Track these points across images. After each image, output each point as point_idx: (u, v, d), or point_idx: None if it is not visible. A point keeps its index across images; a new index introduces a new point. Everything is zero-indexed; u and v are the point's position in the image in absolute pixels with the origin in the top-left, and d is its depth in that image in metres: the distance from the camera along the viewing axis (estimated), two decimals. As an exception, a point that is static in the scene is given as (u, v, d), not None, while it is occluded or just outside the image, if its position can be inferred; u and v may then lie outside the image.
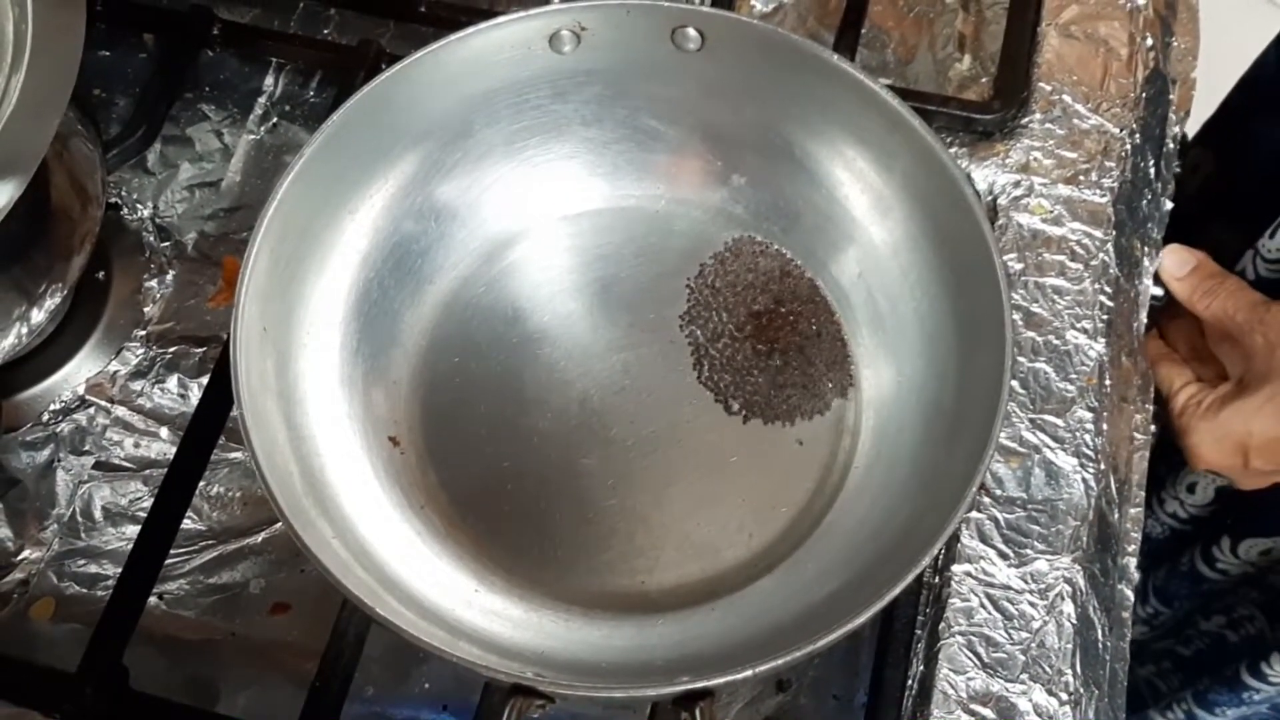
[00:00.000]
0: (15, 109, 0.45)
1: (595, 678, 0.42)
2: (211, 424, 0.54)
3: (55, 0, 0.47)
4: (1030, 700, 0.49)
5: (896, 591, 0.41)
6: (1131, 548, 0.55)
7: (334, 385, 0.49)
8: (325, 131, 0.48)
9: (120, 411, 0.58)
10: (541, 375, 0.52)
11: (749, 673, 0.38)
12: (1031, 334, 0.55)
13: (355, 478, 0.48)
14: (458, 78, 0.51)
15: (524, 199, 0.55)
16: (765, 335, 0.52)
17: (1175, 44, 0.65)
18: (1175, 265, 0.57)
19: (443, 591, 0.47)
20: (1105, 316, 0.56)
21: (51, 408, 0.58)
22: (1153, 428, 0.57)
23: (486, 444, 0.51)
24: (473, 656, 0.40)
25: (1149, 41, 0.63)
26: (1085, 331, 0.56)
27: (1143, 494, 0.56)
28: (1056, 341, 0.56)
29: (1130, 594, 0.54)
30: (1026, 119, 0.60)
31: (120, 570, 0.53)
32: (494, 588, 0.48)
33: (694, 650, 0.45)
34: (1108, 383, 0.55)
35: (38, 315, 0.53)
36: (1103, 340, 0.56)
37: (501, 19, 0.50)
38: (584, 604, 0.48)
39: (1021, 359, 0.55)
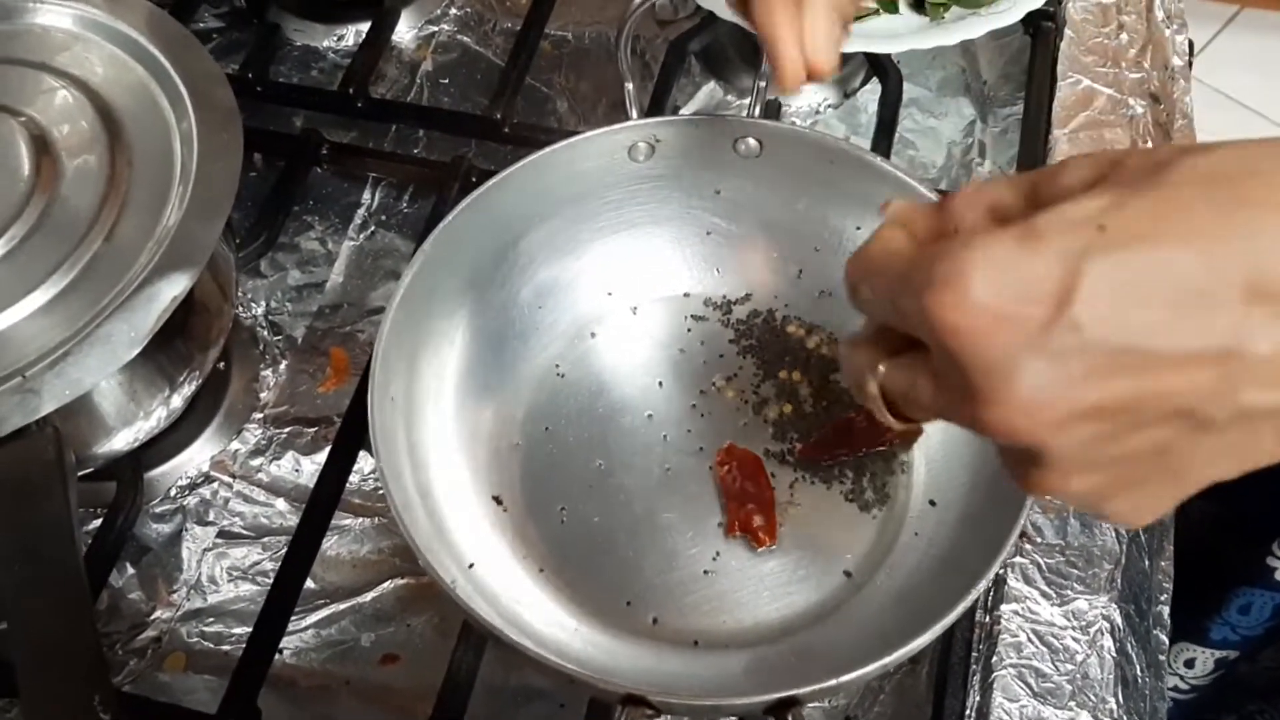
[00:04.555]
0: (185, 214, 0.52)
1: (693, 694, 0.48)
2: (329, 495, 0.60)
3: (217, 124, 0.55)
4: (1078, 724, 0.54)
5: (953, 618, 0.46)
6: (1164, 597, 0.60)
7: (450, 450, 0.56)
8: (440, 229, 0.56)
9: (241, 485, 0.65)
10: (625, 441, 0.59)
11: (833, 681, 0.44)
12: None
13: (469, 530, 0.54)
14: (549, 185, 0.59)
15: (603, 288, 0.63)
16: (823, 395, 0.59)
17: (1173, 148, 0.72)
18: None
19: (547, 626, 0.52)
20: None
21: (179, 483, 0.65)
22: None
23: (579, 502, 0.57)
24: (584, 674, 0.46)
25: (1150, 145, 0.71)
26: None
27: (1171, 548, 0.62)
28: (1082, 406, 0.62)
29: (1165, 639, 0.59)
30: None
31: (242, 627, 0.60)
32: (593, 625, 0.53)
33: (774, 677, 0.51)
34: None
35: (176, 400, 0.60)
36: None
37: (589, 133, 0.58)
38: (671, 640, 0.53)
39: (1052, 422, 0.61)
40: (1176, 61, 0.77)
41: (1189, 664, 0.75)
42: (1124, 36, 0.77)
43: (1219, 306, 0.29)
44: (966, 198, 0.34)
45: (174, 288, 0.51)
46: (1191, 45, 0.80)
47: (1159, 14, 0.78)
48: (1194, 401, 0.30)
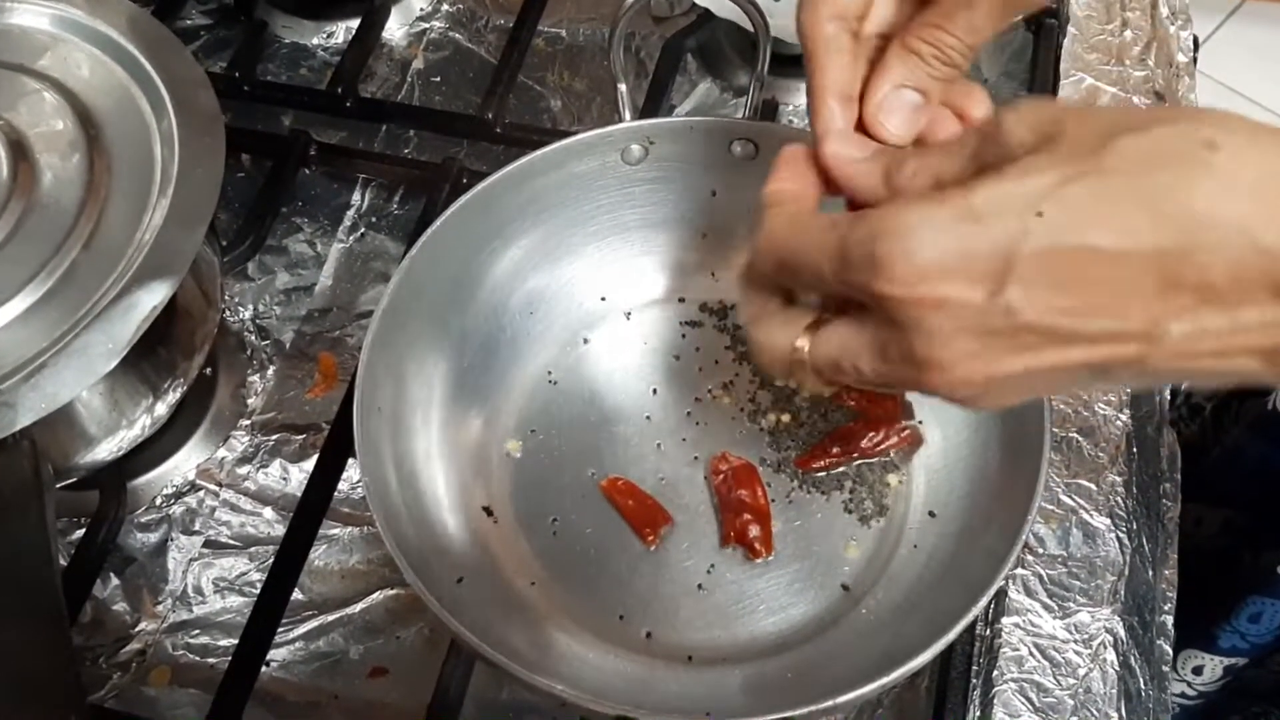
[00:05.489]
0: (167, 220, 0.51)
1: (686, 715, 0.47)
2: (317, 504, 0.59)
3: (199, 128, 0.54)
4: (1081, 741, 0.53)
5: (954, 635, 0.45)
6: (1168, 606, 0.59)
7: (438, 460, 0.55)
8: (428, 234, 0.54)
9: (227, 494, 0.63)
10: (619, 450, 0.58)
11: (830, 703, 0.43)
12: (1063, 406, 0.61)
13: (459, 542, 0.53)
14: (541, 189, 0.58)
15: (597, 293, 0.62)
16: (822, 404, 0.57)
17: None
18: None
19: (538, 641, 0.51)
20: (1129, 390, 0.61)
21: (164, 492, 0.63)
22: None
23: (571, 513, 0.56)
24: (574, 695, 0.44)
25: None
26: (1111, 404, 0.61)
27: (1175, 556, 0.60)
28: (1086, 413, 0.61)
29: (1169, 650, 0.58)
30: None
31: (229, 639, 0.59)
32: (584, 641, 0.52)
33: (771, 695, 0.50)
34: (1134, 450, 0.60)
35: (161, 408, 0.59)
36: (1128, 411, 0.61)
37: (581, 136, 0.57)
38: (665, 656, 0.52)
39: (1056, 429, 0.60)
40: (1181, 58, 0.76)
41: (1197, 671, 0.74)
42: (1128, 33, 0.76)
43: (1138, 294, 0.32)
44: (907, 166, 0.37)
45: (154, 297, 0.50)
46: (1196, 41, 0.79)
47: (1163, 10, 0.77)
48: (1105, 370, 0.34)
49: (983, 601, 0.45)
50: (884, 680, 0.43)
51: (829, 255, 0.35)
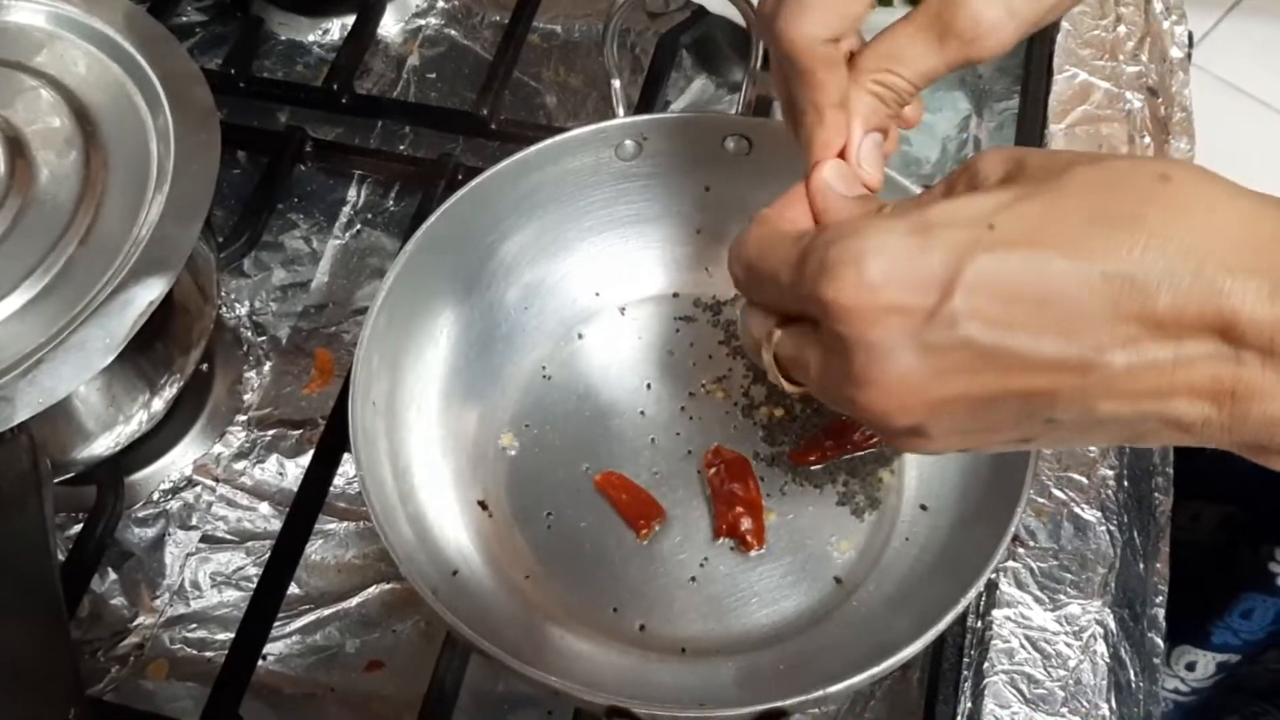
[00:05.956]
0: (163, 215, 0.51)
1: (679, 705, 0.47)
2: (313, 499, 0.59)
3: (195, 124, 0.54)
4: (1071, 732, 0.53)
5: (944, 626, 0.45)
6: (1159, 599, 0.59)
7: (434, 454, 0.55)
8: (424, 229, 0.55)
9: (224, 489, 0.64)
10: (613, 444, 0.58)
11: (820, 693, 0.43)
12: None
13: (454, 536, 0.54)
14: (536, 184, 0.58)
15: (591, 289, 0.62)
16: (814, 401, 0.58)
17: (1173, 144, 0.71)
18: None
19: (533, 634, 0.51)
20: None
21: (162, 487, 0.64)
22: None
23: (565, 506, 0.56)
24: (568, 687, 0.45)
25: (1146, 140, 0.70)
26: (1103, 397, 0.62)
27: (1166, 550, 0.61)
28: (1077, 407, 0.61)
29: (1160, 643, 0.58)
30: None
31: (226, 633, 0.59)
32: (578, 634, 0.52)
33: (764, 686, 0.50)
34: (1125, 444, 0.61)
35: (158, 403, 0.59)
36: (1119, 405, 0.61)
37: (575, 131, 0.57)
38: (658, 648, 0.53)
39: (1046, 423, 0.61)
40: (1175, 54, 0.76)
41: (1190, 667, 0.75)
42: (1121, 29, 0.76)
43: (1082, 318, 0.31)
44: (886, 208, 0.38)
45: (150, 292, 0.50)
46: (1191, 37, 0.79)
47: (1157, 6, 0.77)
48: (1048, 403, 0.33)
49: (972, 593, 0.46)
50: (875, 670, 0.44)
51: (789, 264, 0.36)
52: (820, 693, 0.43)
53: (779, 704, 0.43)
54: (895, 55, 0.41)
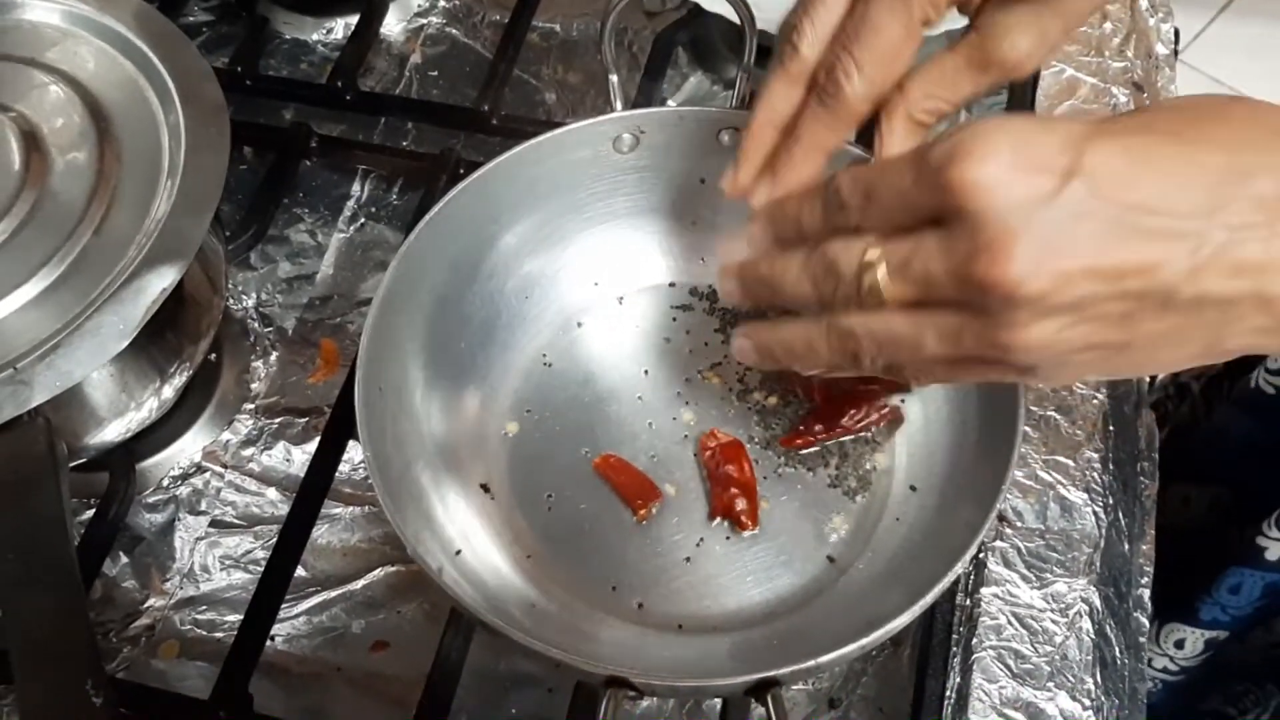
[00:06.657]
0: (174, 208, 0.53)
1: (675, 675, 0.48)
2: (319, 485, 0.61)
3: (205, 119, 0.56)
4: (1056, 705, 0.55)
5: (930, 600, 0.47)
6: (1145, 580, 0.61)
7: (437, 439, 0.57)
8: (426, 220, 0.56)
9: (232, 475, 0.65)
10: (612, 430, 0.60)
11: (812, 663, 0.45)
12: (1042, 385, 0.63)
13: (457, 518, 0.55)
14: (535, 177, 0.60)
15: (590, 279, 0.64)
16: (804, 382, 0.59)
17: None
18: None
19: (534, 611, 0.53)
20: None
21: (172, 473, 0.65)
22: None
23: (566, 489, 0.58)
24: (569, 658, 0.46)
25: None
26: (1088, 383, 0.63)
27: (1152, 532, 0.62)
28: (1064, 392, 0.63)
29: (1145, 622, 0.60)
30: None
31: (235, 615, 0.60)
32: (578, 612, 0.54)
33: (758, 660, 0.51)
34: (1111, 428, 0.62)
35: (168, 391, 0.61)
36: (1105, 391, 0.63)
37: (574, 125, 0.59)
38: (657, 626, 0.54)
39: (1035, 408, 0.62)
40: (1161, 50, 0.78)
41: (1179, 644, 0.76)
42: (1108, 25, 0.77)
43: (1191, 193, 0.35)
44: None
45: (162, 280, 0.52)
46: (1177, 34, 0.80)
47: (1143, 3, 0.79)
48: (1164, 276, 0.35)
49: (959, 567, 0.47)
50: (865, 641, 0.45)
51: (909, 164, 0.37)
52: (812, 662, 0.44)
53: (771, 673, 0.44)
54: (942, 83, 0.46)
